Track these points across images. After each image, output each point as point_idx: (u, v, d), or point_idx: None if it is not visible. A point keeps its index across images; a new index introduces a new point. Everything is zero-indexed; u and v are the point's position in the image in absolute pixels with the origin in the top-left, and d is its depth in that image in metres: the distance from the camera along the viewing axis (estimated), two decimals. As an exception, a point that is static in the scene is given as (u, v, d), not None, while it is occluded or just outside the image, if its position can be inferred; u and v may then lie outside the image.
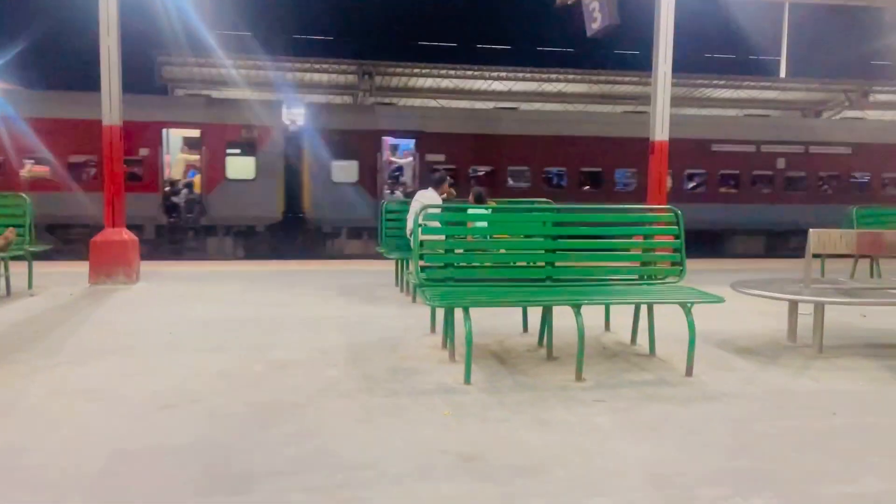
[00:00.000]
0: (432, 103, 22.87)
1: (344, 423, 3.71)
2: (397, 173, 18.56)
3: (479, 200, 7.94)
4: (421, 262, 5.04)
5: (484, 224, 6.13)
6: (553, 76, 22.89)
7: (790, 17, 28.00)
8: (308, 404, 4.03)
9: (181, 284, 8.73)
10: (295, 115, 17.69)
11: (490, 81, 23.00)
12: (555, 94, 23.78)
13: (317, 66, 21.30)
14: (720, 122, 20.66)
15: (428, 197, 8.00)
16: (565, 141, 17.53)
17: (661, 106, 10.22)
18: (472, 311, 4.58)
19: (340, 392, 4.26)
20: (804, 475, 3.17)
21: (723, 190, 18.59)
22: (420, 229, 5.04)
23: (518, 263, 5.84)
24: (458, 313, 4.74)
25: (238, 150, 16.19)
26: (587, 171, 18.14)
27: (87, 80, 12.43)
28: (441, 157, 16.88)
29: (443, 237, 5.47)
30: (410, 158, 17.62)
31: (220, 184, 16.09)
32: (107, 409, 3.93)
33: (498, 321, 6.31)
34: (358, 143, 16.57)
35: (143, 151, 15.51)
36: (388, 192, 17.33)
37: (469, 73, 22.31)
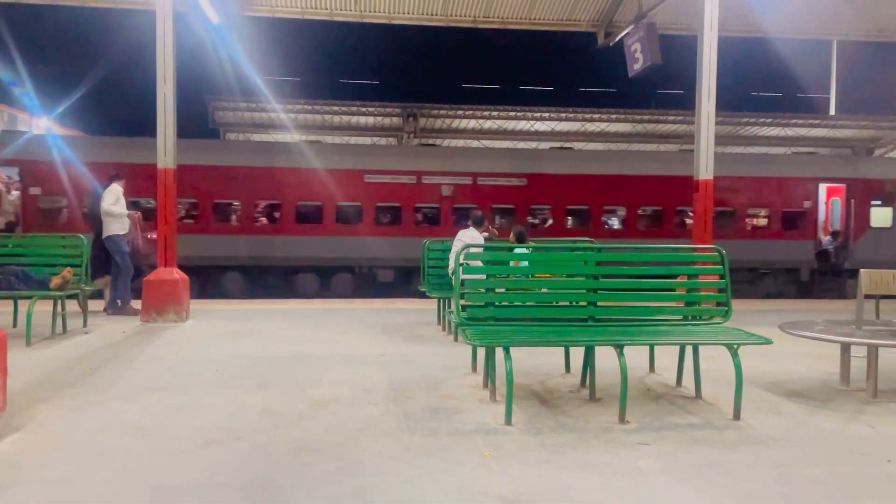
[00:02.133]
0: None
1: (384, 462, 3.72)
2: None
3: (521, 239, 7.96)
4: (462, 301, 5.06)
5: (525, 263, 6.13)
6: (596, 116, 22.97)
7: (839, 54, 27.60)
8: (349, 443, 4.05)
9: (228, 322, 8.91)
10: None
11: (533, 122, 23.19)
12: (598, 133, 23.84)
13: (363, 108, 21.83)
14: None
15: (469, 236, 8.06)
16: None
17: (705, 145, 10.17)
18: (514, 350, 4.57)
19: (381, 431, 4.28)
20: (858, 525, 3.05)
21: None
22: (461, 268, 5.07)
23: (560, 303, 5.81)
24: (499, 353, 4.72)
25: (879, 202, 18.27)
26: None
27: (141, 124, 12.98)
28: None
29: (484, 276, 5.49)
30: None
31: (865, 232, 18.13)
32: (153, 444, 4.02)
33: (540, 361, 6.27)
34: None
35: (807, 204, 17.71)
36: None
37: (512, 113, 22.55)
